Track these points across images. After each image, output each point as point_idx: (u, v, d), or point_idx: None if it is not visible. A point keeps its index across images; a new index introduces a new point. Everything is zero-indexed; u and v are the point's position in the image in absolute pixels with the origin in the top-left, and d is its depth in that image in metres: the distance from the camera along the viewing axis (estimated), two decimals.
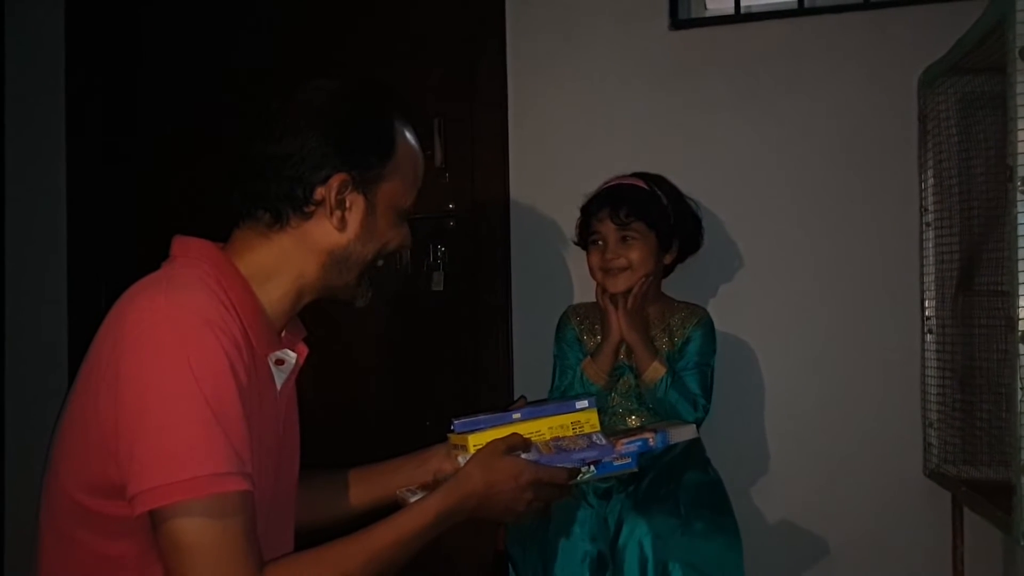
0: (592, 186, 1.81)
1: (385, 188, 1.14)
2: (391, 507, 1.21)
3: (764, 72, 1.95)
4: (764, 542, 1.86)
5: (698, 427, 1.68)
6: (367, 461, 1.37)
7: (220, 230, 1.15)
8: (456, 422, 1.27)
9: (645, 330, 1.71)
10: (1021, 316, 1.31)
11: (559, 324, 1.83)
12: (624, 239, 1.70)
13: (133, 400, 0.95)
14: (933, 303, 1.79)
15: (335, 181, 1.10)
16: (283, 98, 1.12)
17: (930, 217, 1.79)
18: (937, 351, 1.77)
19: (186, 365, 0.96)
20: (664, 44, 2.01)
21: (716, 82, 1.98)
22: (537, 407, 1.30)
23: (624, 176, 1.78)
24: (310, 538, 1.10)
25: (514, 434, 1.23)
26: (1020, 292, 1.31)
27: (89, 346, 1.04)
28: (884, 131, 1.89)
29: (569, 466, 1.23)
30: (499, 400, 1.96)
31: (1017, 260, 1.32)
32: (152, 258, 1.12)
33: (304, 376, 1.21)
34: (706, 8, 2.09)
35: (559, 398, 1.69)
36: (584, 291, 1.91)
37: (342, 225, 1.12)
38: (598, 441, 1.27)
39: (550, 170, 2.06)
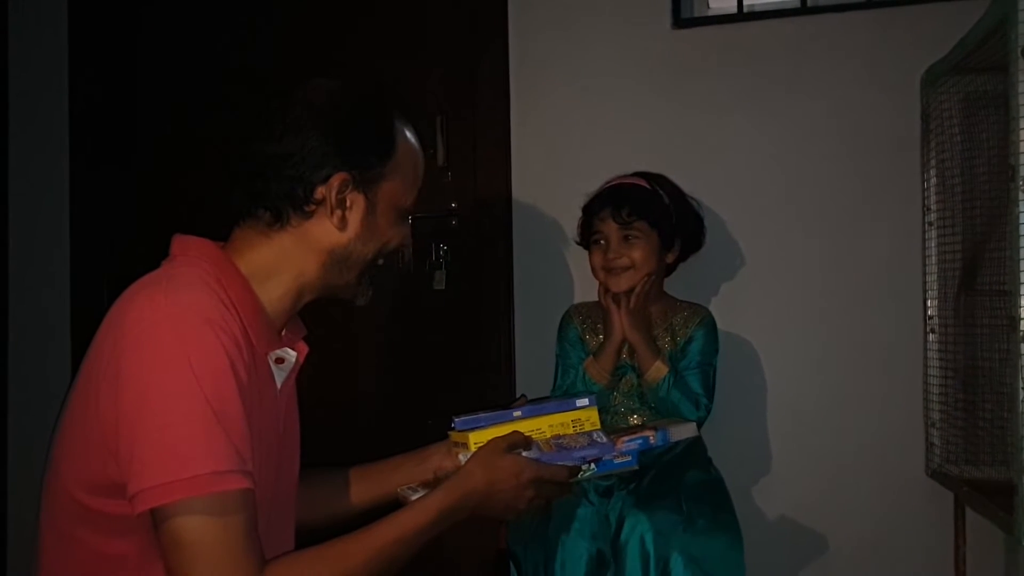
0: (594, 185, 1.81)
1: (385, 187, 1.14)
2: (392, 505, 1.21)
3: (767, 71, 1.95)
4: (765, 541, 1.86)
5: (700, 426, 1.69)
6: (369, 460, 1.37)
7: (221, 229, 1.16)
8: (456, 420, 1.27)
9: (648, 330, 1.71)
10: (1023, 316, 1.31)
11: (561, 323, 1.83)
12: (626, 238, 1.71)
13: (133, 398, 0.95)
14: (935, 302, 1.79)
15: (336, 180, 1.10)
16: (284, 97, 1.12)
17: (932, 216, 1.79)
18: (939, 351, 1.77)
19: (186, 363, 0.96)
20: (667, 43, 2.01)
21: (718, 81, 1.98)
22: (538, 405, 1.30)
23: (626, 176, 1.78)
24: (311, 537, 1.10)
25: (515, 432, 1.23)
26: (1022, 292, 1.31)
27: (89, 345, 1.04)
28: (886, 130, 1.88)
29: (570, 464, 1.23)
30: (501, 399, 1.96)
31: (1019, 260, 1.32)
32: (155, 257, 1.13)
33: (306, 375, 1.21)
34: (709, 7, 2.09)
35: (560, 396, 1.69)
36: (586, 290, 1.91)
37: (343, 224, 1.12)
38: (599, 439, 1.27)
39: (552, 169, 2.06)
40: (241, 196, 1.12)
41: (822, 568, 1.91)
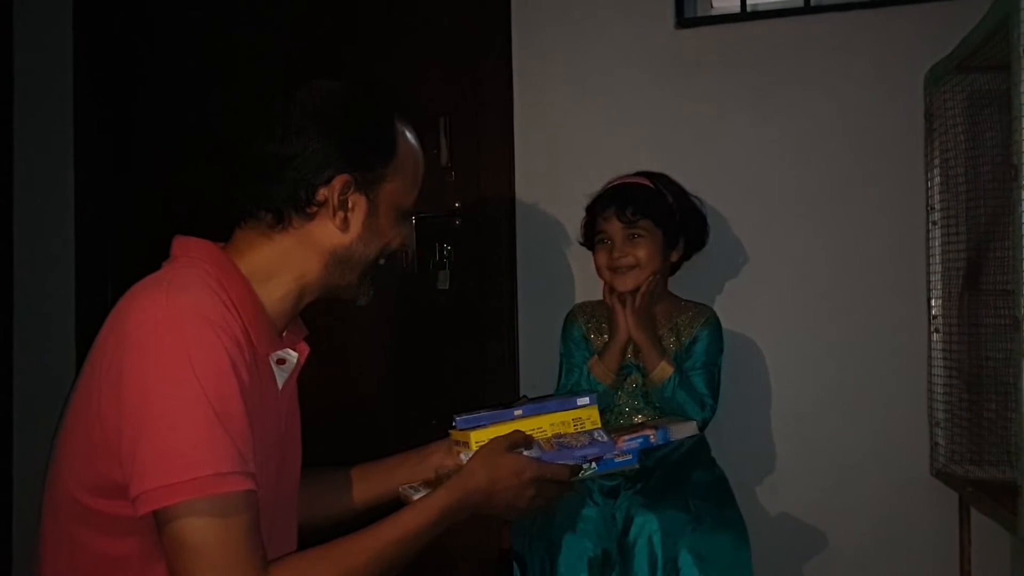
0: (597, 185, 1.81)
1: (387, 188, 1.15)
2: (394, 504, 1.21)
3: (770, 70, 1.95)
4: (769, 541, 1.85)
5: (705, 426, 1.69)
6: (372, 460, 1.38)
7: (225, 230, 1.16)
8: (458, 418, 1.28)
9: (653, 329, 1.71)
10: None
11: (565, 322, 1.83)
12: (631, 237, 1.71)
13: (135, 400, 0.96)
14: (940, 302, 1.78)
15: (338, 182, 1.11)
16: (285, 99, 1.12)
17: (936, 216, 1.78)
18: (944, 350, 1.76)
19: (188, 365, 0.96)
20: (670, 42, 2.00)
21: (722, 80, 1.97)
22: (538, 404, 1.30)
23: (629, 175, 1.79)
24: (314, 536, 1.11)
25: (516, 431, 1.23)
26: None
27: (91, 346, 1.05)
28: (890, 129, 1.88)
29: (571, 463, 1.23)
30: (505, 399, 1.96)
31: (1023, 260, 1.32)
32: (160, 257, 1.13)
33: (309, 375, 1.21)
34: (712, 6, 2.09)
35: (560, 394, 1.69)
36: (589, 290, 1.90)
37: (345, 226, 1.13)
38: (599, 438, 1.27)
39: (556, 168, 2.06)
40: (243, 198, 1.13)
41: (826, 568, 1.90)
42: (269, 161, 1.10)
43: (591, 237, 1.78)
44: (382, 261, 1.19)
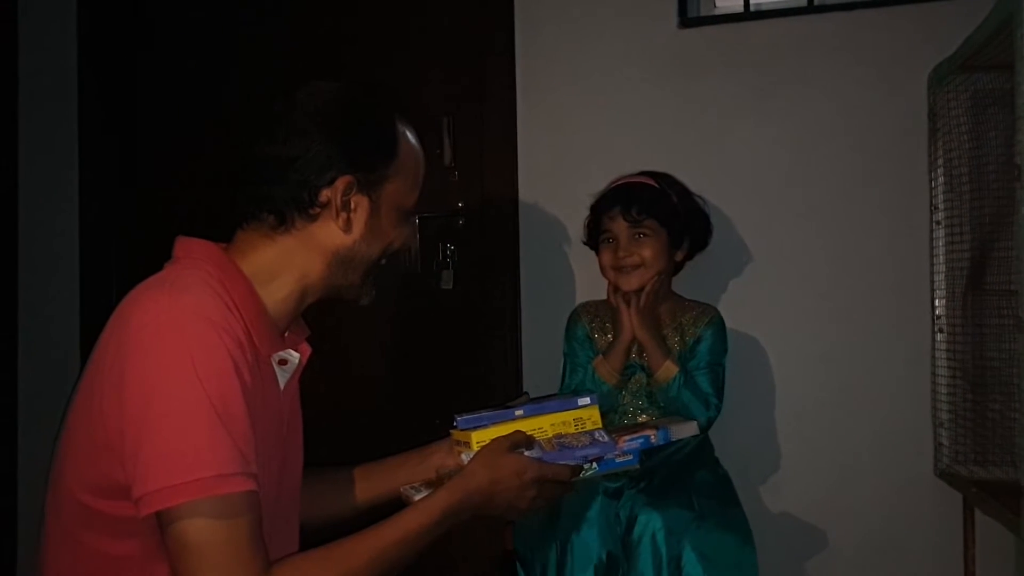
0: (601, 184, 1.81)
1: (389, 189, 1.15)
2: (395, 504, 1.22)
3: (773, 70, 1.95)
4: (773, 540, 1.85)
5: (710, 426, 1.68)
6: (374, 460, 1.38)
7: (227, 231, 1.16)
8: (458, 418, 1.28)
9: (657, 329, 1.71)
10: None
11: (569, 322, 1.83)
12: (636, 236, 1.71)
13: (138, 401, 0.96)
14: (943, 302, 1.78)
15: (341, 183, 1.11)
16: (287, 100, 1.13)
17: (940, 216, 1.78)
18: (947, 350, 1.76)
19: (190, 366, 0.96)
20: (673, 42, 2.00)
21: (725, 80, 1.97)
22: (539, 403, 1.30)
23: (633, 175, 1.78)
24: (316, 537, 1.11)
25: (517, 431, 1.24)
26: None
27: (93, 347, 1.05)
28: (894, 129, 1.87)
29: (572, 463, 1.23)
30: (509, 399, 1.96)
31: None
32: (162, 258, 1.13)
33: (312, 375, 1.22)
34: (715, 6, 2.09)
35: (561, 394, 1.69)
36: (593, 289, 1.90)
37: (347, 227, 1.13)
38: (600, 438, 1.27)
39: (559, 168, 2.06)
40: (245, 200, 1.13)
41: (829, 569, 1.90)
42: (271, 163, 1.10)
43: (595, 236, 1.78)
44: (384, 261, 1.20)
